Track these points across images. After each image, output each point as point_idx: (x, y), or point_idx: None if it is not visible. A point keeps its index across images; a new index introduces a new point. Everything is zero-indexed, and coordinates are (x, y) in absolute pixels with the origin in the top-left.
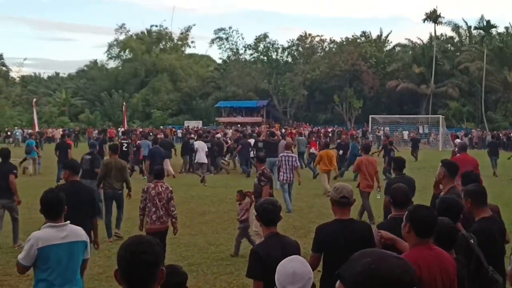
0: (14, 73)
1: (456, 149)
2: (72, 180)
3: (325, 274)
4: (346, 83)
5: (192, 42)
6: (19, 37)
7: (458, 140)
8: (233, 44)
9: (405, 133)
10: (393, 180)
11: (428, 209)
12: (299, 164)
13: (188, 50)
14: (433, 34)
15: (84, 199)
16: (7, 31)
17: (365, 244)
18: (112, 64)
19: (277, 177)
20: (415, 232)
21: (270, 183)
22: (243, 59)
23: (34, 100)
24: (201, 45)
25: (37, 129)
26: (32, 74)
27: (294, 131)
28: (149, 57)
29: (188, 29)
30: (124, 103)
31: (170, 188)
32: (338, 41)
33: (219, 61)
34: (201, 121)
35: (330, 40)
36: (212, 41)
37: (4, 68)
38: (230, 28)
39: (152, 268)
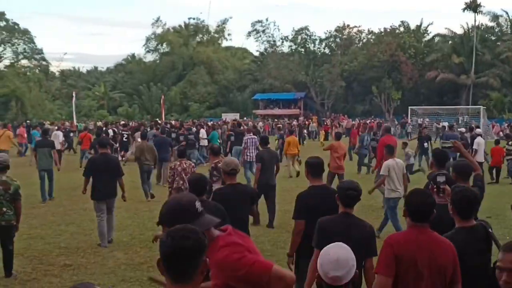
0: (54, 68)
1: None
2: (102, 153)
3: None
4: (385, 74)
5: (229, 34)
6: (58, 32)
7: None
8: (270, 37)
9: (445, 124)
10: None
11: (424, 195)
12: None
13: (224, 43)
14: (472, 24)
15: (112, 165)
16: (47, 27)
17: None
18: (149, 57)
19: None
20: (410, 216)
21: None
22: (280, 51)
23: (74, 93)
24: (237, 37)
25: (75, 122)
26: (71, 69)
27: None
28: (187, 50)
29: (225, 21)
30: (162, 96)
31: (193, 164)
32: (376, 32)
33: (256, 54)
34: (238, 114)
35: (368, 31)
36: (249, 34)
37: (44, 63)
38: (267, 20)
39: (194, 255)
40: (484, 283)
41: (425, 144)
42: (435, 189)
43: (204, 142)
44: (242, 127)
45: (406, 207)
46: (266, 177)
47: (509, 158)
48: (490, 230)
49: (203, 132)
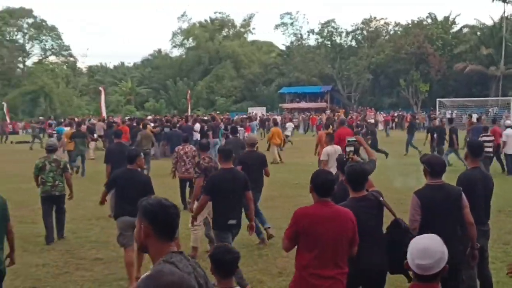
0: (81, 64)
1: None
2: (117, 142)
3: None
4: (412, 66)
5: (254, 28)
6: (85, 28)
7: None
8: (297, 30)
9: (474, 116)
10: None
11: (328, 174)
12: None
13: (250, 37)
14: (502, 15)
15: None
16: (73, 23)
17: None
18: (176, 52)
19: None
20: (316, 192)
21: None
22: (306, 44)
23: (102, 88)
24: (262, 31)
25: (104, 117)
26: (99, 64)
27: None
28: (212, 45)
29: (251, 16)
30: (189, 91)
31: (194, 149)
32: (404, 24)
33: (282, 47)
34: (264, 108)
35: (395, 23)
36: (277, 27)
37: (71, 59)
38: (297, 12)
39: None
40: (376, 242)
41: (435, 135)
42: None
43: (197, 136)
44: (215, 121)
45: (312, 185)
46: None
47: None
48: (381, 198)
49: (197, 126)
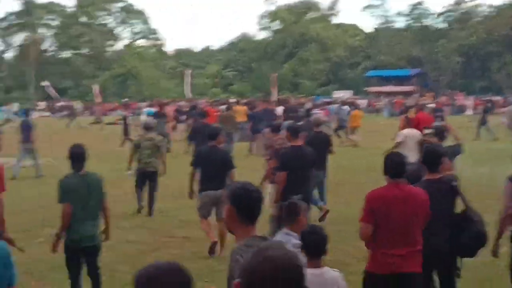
0: (169, 47)
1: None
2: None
3: None
4: (505, 49)
5: (339, 11)
6: (172, 11)
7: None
8: (385, 11)
9: None
10: None
11: (399, 155)
12: None
13: (335, 20)
14: None
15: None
16: (161, 6)
17: None
18: (262, 35)
19: None
20: (387, 173)
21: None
22: (392, 27)
23: (187, 71)
24: (347, 14)
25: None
26: (185, 48)
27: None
28: (298, 28)
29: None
30: (273, 74)
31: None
32: (497, 5)
33: (368, 30)
34: (351, 91)
35: (488, 5)
36: (364, 9)
37: (159, 42)
38: None
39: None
40: (447, 226)
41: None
42: None
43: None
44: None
45: (384, 167)
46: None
47: None
48: (454, 183)
49: (279, 109)
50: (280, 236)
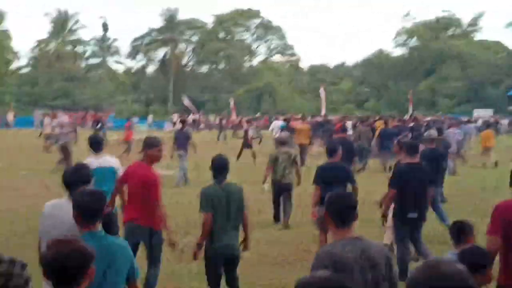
0: (304, 63)
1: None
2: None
3: None
4: None
5: (481, 28)
6: (308, 28)
7: None
8: None
9: None
10: None
11: None
12: None
13: (477, 37)
14: None
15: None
16: (298, 23)
17: None
18: (398, 52)
19: None
20: None
21: None
22: None
23: (322, 86)
24: (491, 31)
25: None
26: (320, 64)
27: None
28: (437, 44)
29: (480, 15)
30: (410, 91)
31: None
32: None
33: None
34: (491, 110)
35: None
36: (507, 26)
37: (294, 58)
38: None
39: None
40: None
41: None
42: None
43: None
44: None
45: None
46: None
47: None
48: None
49: None
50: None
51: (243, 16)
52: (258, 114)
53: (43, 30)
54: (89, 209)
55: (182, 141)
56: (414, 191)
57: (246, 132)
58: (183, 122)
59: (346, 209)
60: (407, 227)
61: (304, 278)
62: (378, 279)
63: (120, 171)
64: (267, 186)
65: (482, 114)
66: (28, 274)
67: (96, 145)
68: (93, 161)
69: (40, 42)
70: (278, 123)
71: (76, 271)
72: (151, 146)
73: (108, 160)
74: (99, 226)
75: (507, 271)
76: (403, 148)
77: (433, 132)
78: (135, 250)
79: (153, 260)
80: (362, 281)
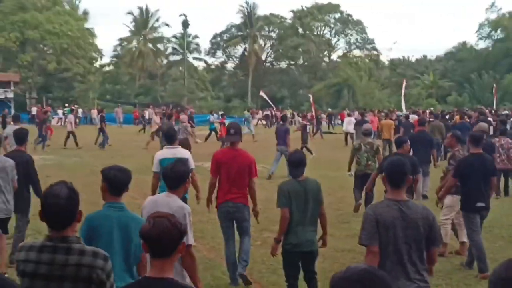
0: (384, 57)
1: None
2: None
3: None
4: None
5: None
6: (389, 21)
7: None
8: None
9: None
10: None
11: None
12: None
13: None
14: None
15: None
16: (379, 17)
17: None
18: (482, 44)
19: None
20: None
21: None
22: None
23: (404, 81)
24: None
25: (404, 110)
26: (401, 58)
27: None
28: None
29: None
30: (495, 85)
31: (510, 141)
32: None
33: None
34: None
35: None
36: None
37: (374, 52)
38: None
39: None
40: None
41: None
42: None
43: None
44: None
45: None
46: None
47: None
48: None
49: None
50: None
51: (322, 10)
52: (329, 110)
53: (125, 28)
54: (115, 183)
55: (282, 135)
56: (475, 182)
57: (304, 127)
58: (283, 118)
59: (398, 174)
60: (477, 215)
61: (339, 273)
62: (416, 236)
63: (191, 163)
64: (350, 174)
65: None
66: (110, 267)
67: (170, 137)
68: (166, 152)
69: (122, 40)
70: (349, 119)
71: (171, 244)
72: None
73: (181, 151)
74: (121, 200)
75: None
76: (457, 140)
77: (482, 125)
78: None
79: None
80: (402, 235)
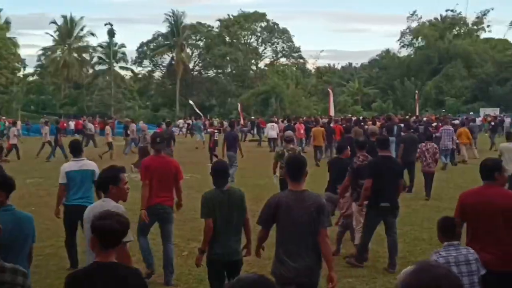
0: (310, 65)
1: None
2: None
3: None
4: None
5: (488, 26)
6: (315, 30)
7: None
8: None
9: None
10: None
11: (489, 160)
12: None
13: (483, 35)
14: None
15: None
16: (304, 25)
17: None
18: (404, 52)
19: None
20: (481, 176)
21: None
22: None
23: (330, 88)
24: (498, 29)
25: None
26: (327, 65)
27: None
28: (442, 44)
29: (485, 13)
30: (417, 91)
31: (435, 146)
32: None
33: None
34: (498, 109)
35: None
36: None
37: (301, 61)
38: None
39: None
40: None
41: None
42: None
43: None
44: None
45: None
46: None
47: None
48: None
49: None
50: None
51: (249, 19)
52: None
53: (50, 38)
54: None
55: (232, 141)
56: (386, 181)
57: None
58: (232, 124)
59: (296, 169)
60: (379, 217)
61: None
62: (310, 218)
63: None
64: (276, 179)
65: (489, 112)
66: (29, 283)
67: (75, 150)
68: (73, 165)
69: (46, 49)
70: (271, 125)
71: (117, 238)
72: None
73: (87, 163)
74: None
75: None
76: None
77: (372, 128)
78: None
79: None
80: (298, 218)
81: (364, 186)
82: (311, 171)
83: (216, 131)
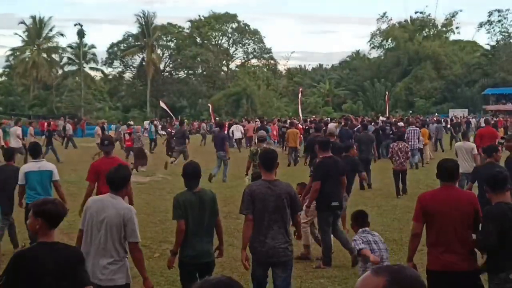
0: (281, 66)
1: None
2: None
3: None
4: None
5: (457, 28)
6: (285, 31)
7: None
8: (504, 28)
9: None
10: None
11: (449, 161)
12: None
13: (452, 37)
14: None
15: None
16: (275, 26)
17: None
18: (374, 53)
19: None
20: (440, 177)
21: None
22: None
23: (300, 90)
24: (466, 30)
25: (301, 117)
26: (298, 67)
27: None
28: (412, 45)
29: (454, 15)
30: (387, 93)
31: (407, 145)
32: None
33: (487, 47)
34: (466, 110)
35: None
36: (481, 25)
37: (272, 62)
38: (507, 10)
39: None
40: None
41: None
42: None
43: None
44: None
45: (437, 171)
46: None
47: None
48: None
49: None
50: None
51: (219, 20)
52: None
53: (18, 38)
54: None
55: (220, 142)
56: (333, 181)
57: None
58: (220, 125)
59: (269, 160)
60: (331, 216)
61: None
62: (282, 206)
63: (56, 174)
64: (248, 179)
65: (457, 113)
66: None
67: (34, 152)
68: (32, 166)
69: (15, 50)
70: (236, 127)
71: (59, 219)
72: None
73: (45, 164)
74: None
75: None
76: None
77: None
78: None
79: None
80: (271, 206)
81: (313, 188)
82: (284, 171)
83: (172, 131)
